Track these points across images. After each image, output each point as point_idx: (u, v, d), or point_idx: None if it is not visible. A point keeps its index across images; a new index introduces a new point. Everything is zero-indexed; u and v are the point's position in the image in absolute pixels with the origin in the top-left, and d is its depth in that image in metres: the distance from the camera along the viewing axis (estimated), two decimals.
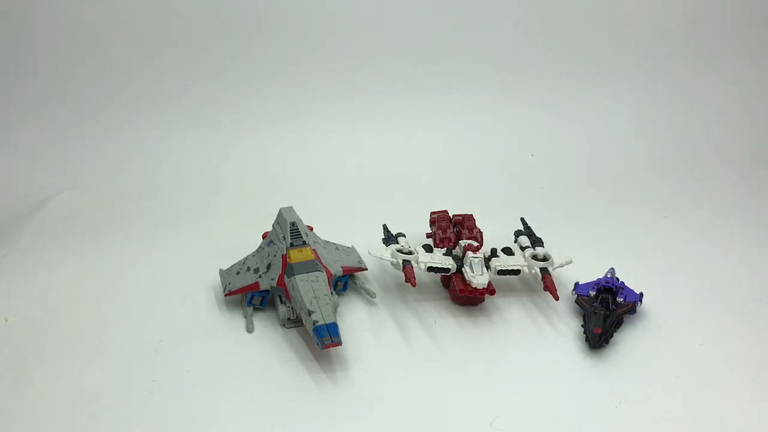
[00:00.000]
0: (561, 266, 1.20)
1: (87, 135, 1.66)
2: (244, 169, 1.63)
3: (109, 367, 1.02)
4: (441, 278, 1.20)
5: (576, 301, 1.15)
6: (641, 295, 1.14)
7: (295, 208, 1.19)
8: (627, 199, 1.56)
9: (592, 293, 1.13)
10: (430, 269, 1.15)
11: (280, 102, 1.73)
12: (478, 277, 1.11)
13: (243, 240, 1.27)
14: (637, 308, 1.13)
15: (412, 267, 1.13)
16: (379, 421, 0.94)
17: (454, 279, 1.15)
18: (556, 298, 1.12)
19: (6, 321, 1.11)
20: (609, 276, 1.17)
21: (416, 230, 1.31)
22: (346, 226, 1.35)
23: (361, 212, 1.46)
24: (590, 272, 1.19)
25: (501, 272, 1.17)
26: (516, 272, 1.17)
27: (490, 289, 1.12)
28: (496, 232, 1.31)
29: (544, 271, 1.16)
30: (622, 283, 1.15)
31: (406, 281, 1.10)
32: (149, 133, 1.67)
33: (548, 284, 1.13)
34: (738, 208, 1.51)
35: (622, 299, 1.12)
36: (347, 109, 1.74)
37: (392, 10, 1.74)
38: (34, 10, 1.62)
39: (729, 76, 1.85)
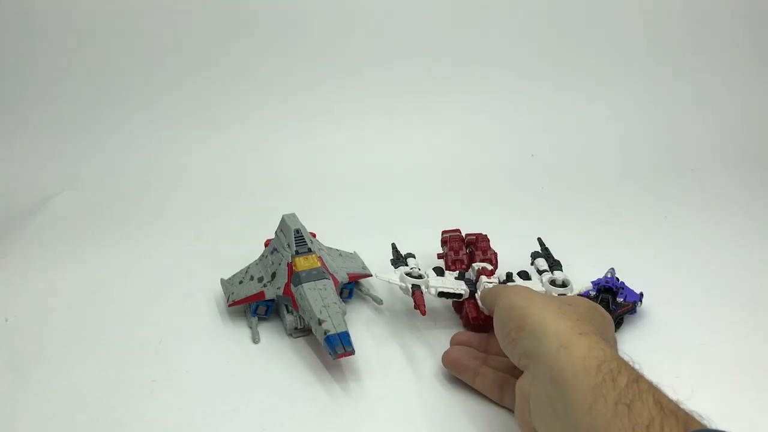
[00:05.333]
0: (579, 293, 1.10)
1: (87, 135, 1.66)
2: (244, 169, 1.63)
3: (109, 367, 1.02)
4: (453, 303, 1.13)
5: None
6: (641, 295, 1.14)
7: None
8: (627, 199, 1.56)
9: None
10: (441, 294, 1.07)
11: (281, 104, 1.73)
12: None
13: (243, 240, 1.28)
14: (637, 308, 1.13)
15: (422, 293, 1.05)
16: (380, 421, 0.94)
17: (466, 305, 1.08)
18: None
19: (6, 321, 1.11)
20: (609, 276, 1.16)
21: (416, 229, 1.31)
22: (346, 227, 1.34)
23: (361, 213, 1.46)
24: (590, 272, 1.19)
25: None
26: None
27: None
28: (497, 232, 1.31)
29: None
30: (622, 283, 1.15)
31: (415, 308, 1.03)
32: (149, 133, 1.68)
33: None
34: (738, 208, 1.51)
35: (622, 299, 1.12)
36: (347, 108, 1.75)
37: (393, 11, 1.74)
38: (34, 10, 1.62)
39: (729, 77, 1.85)
